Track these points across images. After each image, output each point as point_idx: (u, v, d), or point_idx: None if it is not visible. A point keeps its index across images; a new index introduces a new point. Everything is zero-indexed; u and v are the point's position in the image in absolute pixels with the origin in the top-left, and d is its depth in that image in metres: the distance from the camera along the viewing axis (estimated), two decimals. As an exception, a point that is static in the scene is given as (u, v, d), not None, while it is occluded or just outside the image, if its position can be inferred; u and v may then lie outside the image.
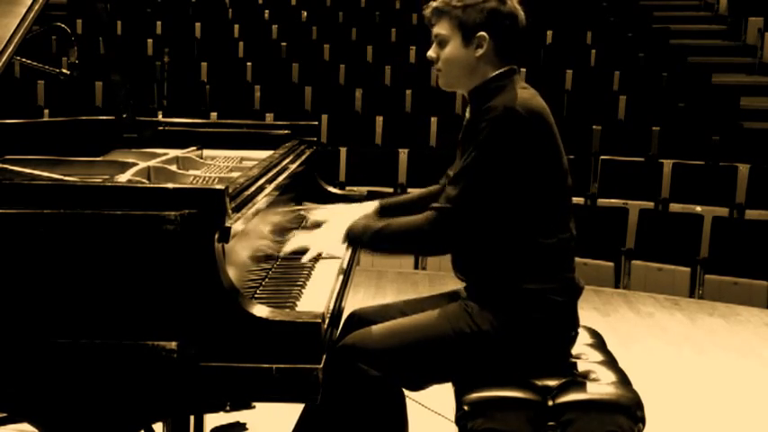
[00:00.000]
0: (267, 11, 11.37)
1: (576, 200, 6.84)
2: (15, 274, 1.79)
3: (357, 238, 2.37)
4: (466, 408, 2.15)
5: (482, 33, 2.26)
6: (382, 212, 2.62)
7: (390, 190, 7.44)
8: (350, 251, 2.50)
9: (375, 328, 2.30)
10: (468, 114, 2.37)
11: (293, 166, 2.70)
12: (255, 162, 2.60)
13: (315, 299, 2.10)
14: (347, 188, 6.28)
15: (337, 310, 2.17)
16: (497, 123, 2.16)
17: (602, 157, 7.64)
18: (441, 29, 2.31)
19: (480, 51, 2.27)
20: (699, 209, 6.82)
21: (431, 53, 2.34)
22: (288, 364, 1.76)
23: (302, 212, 2.79)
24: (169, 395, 1.80)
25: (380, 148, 8.17)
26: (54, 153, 2.71)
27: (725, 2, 11.46)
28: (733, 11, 11.14)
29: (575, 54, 9.68)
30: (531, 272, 2.25)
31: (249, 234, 2.18)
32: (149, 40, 10.25)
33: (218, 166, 2.91)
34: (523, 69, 8.94)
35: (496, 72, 2.29)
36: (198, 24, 10.78)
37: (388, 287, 6.11)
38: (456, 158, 2.36)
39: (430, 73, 8.88)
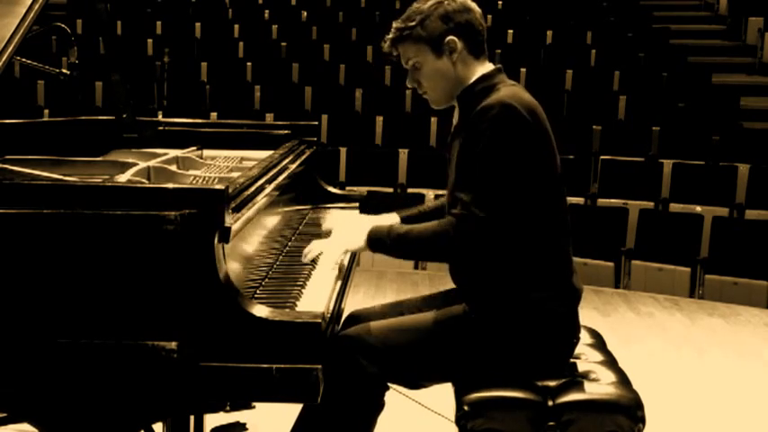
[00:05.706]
0: (267, 11, 11.36)
1: (576, 200, 6.85)
2: (15, 274, 1.79)
3: (381, 241, 2.27)
4: (466, 408, 2.15)
5: (449, 38, 2.25)
6: (403, 222, 2.58)
7: (390, 190, 7.44)
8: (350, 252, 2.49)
9: (377, 323, 2.30)
10: (456, 119, 2.36)
11: (293, 167, 2.71)
12: (255, 162, 2.60)
13: (315, 299, 2.10)
14: (347, 188, 6.28)
15: (337, 311, 2.17)
16: (498, 121, 2.14)
17: (602, 157, 7.64)
18: (408, 54, 2.29)
19: (455, 55, 2.26)
20: (699, 209, 6.82)
21: (409, 82, 2.34)
22: (288, 364, 1.76)
23: (317, 218, 2.76)
24: (169, 395, 1.80)
25: (380, 148, 8.17)
26: (54, 153, 2.71)
27: (725, 2, 11.45)
28: (733, 11, 11.13)
29: (575, 54, 9.67)
30: (535, 279, 2.23)
31: (249, 234, 2.18)
32: (149, 40, 10.25)
33: (218, 166, 2.91)
34: (523, 69, 8.95)
35: (482, 73, 2.29)
36: (198, 24, 10.78)
37: (388, 287, 6.11)
38: (448, 163, 2.34)
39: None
